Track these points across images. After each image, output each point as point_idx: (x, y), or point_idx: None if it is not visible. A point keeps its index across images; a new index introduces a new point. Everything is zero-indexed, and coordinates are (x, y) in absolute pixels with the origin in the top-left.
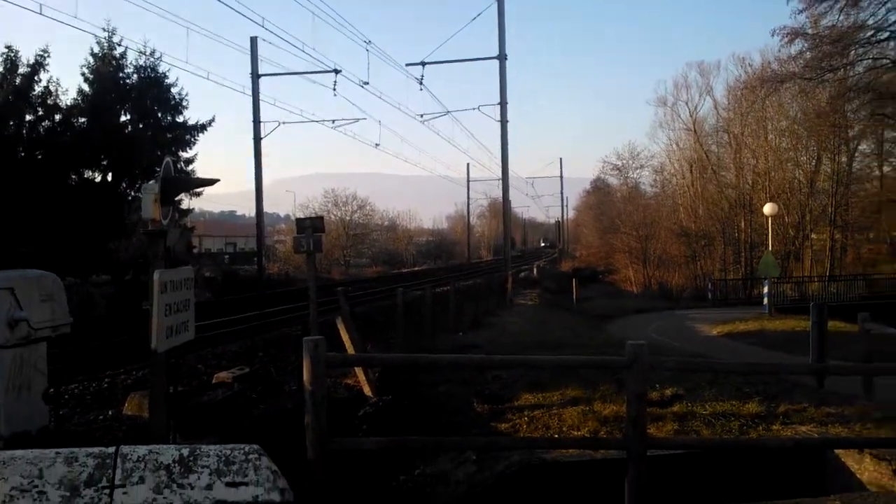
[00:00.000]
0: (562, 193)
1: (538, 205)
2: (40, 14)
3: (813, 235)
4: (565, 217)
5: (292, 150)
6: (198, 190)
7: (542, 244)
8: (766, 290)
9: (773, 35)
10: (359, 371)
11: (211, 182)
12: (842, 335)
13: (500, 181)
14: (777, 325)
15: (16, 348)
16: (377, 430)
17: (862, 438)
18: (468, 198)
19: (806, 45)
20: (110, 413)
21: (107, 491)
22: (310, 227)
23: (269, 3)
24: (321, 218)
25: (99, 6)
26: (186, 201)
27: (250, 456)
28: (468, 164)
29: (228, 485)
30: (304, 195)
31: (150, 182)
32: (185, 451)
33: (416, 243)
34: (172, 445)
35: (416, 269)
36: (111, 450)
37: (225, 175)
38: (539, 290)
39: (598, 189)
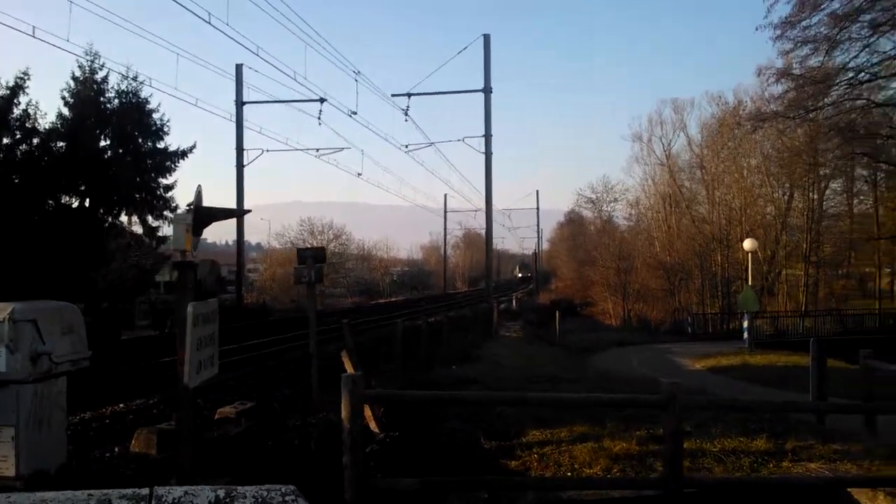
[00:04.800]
0: (538, 226)
1: (514, 236)
2: (33, 36)
3: (786, 271)
4: (541, 248)
5: (270, 177)
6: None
7: (519, 275)
8: (745, 324)
9: (759, 75)
10: (365, 407)
11: (242, 213)
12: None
13: (475, 212)
14: (759, 359)
15: (37, 383)
16: (385, 468)
17: (881, 476)
18: (445, 229)
19: (792, 83)
20: (116, 450)
21: None
22: (311, 257)
23: (264, 33)
24: (323, 249)
25: (90, 31)
26: (165, 228)
27: (287, 497)
28: (445, 195)
29: None
30: (279, 223)
31: (182, 212)
32: (221, 493)
33: (390, 273)
34: (208, 486)
35: (393, 299)
36: (145, 491)
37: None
38: (521, 323)
39: (572, 221)
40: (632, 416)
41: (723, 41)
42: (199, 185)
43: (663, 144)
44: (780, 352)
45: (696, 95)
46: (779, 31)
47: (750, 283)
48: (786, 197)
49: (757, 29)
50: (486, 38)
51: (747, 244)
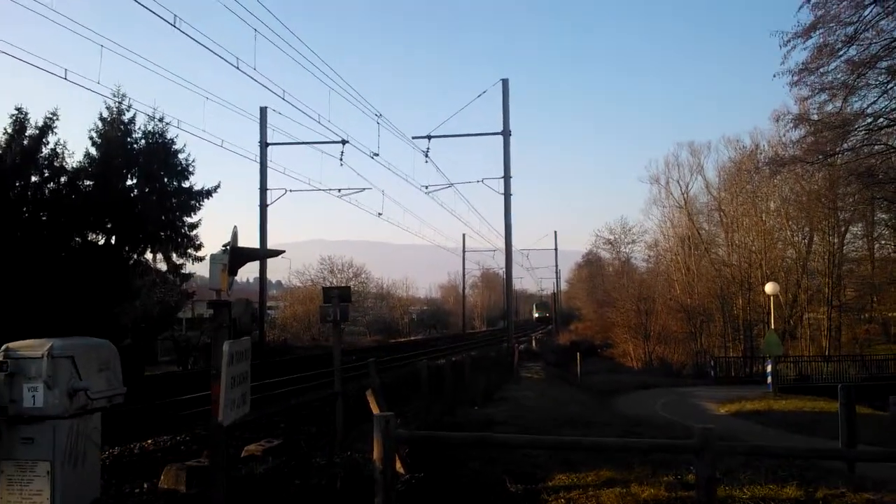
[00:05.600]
0: (556, 266)
1: (532, 276)
2: (65, 79)
3: (808, 314)
4: (559, 289)
5: (291, 216)
6: (199, 255)
7: (536, 315)
8: (769, 368)
9: (777, 120)
10: None
11: (276, 253)
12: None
13: (494, 252)
14: (784, 404)
15: (73, 419)
16: None
17: None
18: (463, 269)
19: (810, 129)
20: (145, 486)
21: None
22: (336, 296)
23: (290, 78)
24: (348, 288)
25: (120, 74)
26: (189, 266)
27: None
28: (464, 235)
29: None
30: (299, 262)
31: (219, 252)
32: None
33: (410, 312)
34: None
35: (413, 338)
36: None
37: (225, 239)
38: (542, 364)
39: (591, 262)
40: (659, 461)
41: (739, 86)
42: (235, 226)
43: (681, 187)
44: (805, 397)
45: (713, 139)
46: (796, 78)
47: (772, 326)
48: (806, 240)
49: (774, 76)
50: (505, 82)
51: (769, 288)
